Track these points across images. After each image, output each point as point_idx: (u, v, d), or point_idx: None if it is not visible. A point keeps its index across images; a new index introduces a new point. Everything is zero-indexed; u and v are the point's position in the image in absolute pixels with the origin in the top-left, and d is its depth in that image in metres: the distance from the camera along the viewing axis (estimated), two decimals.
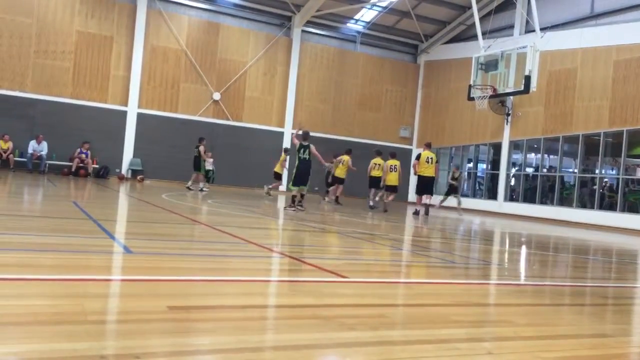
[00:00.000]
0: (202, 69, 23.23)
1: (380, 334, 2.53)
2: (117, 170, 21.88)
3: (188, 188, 17.47)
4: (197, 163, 17.54)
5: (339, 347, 2.31)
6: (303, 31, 25.15)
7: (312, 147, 11.53)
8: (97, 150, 21.11)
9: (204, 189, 17.39)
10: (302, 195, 11.68)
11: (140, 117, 22.14)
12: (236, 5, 23.90)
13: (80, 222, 6.25)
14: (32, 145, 19.82)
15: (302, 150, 11.41)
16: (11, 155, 19.54)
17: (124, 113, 22.06)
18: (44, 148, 19.98)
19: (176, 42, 22.83)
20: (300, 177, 11.43)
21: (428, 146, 15.63)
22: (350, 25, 26.40)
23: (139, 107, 22.22)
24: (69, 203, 8.96)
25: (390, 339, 2.49)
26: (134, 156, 22.18)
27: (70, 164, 20.44)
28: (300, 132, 11.66)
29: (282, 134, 24.85)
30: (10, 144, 19.60)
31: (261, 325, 2.63)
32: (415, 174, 15.39)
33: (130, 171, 22.01)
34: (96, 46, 21.57)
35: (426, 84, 27.90)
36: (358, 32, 26.56)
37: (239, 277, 3.84)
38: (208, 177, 19.12)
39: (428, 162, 14.82)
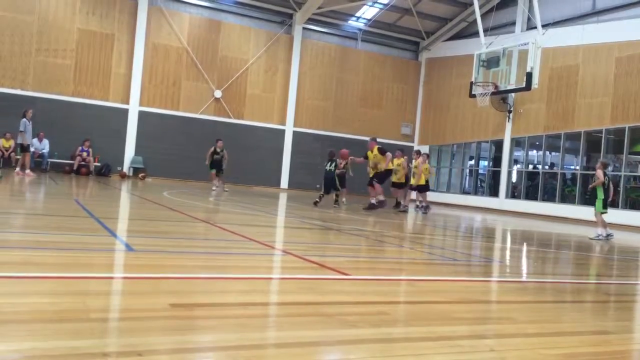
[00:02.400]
0: (203, 67, 23.22)
1: (381, 331, 2.53)
2: (119, 168, 21.89)
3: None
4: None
5: (340, 344, 2.32)
6: (304, 28, 25.12)
7: (338, 160, 13.99)
8: (98, 148, 21.12)
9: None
10: (336, 197, 13.83)
11: (141, 114, 22.15)
12: (237, 3, 23.88)
13: (83, 220, 6.25)
14: (34, 143, 19.82)
15: (328, 163, 13.92)
16: (13, 153, 19.55)
17: (126, 111, 22.06)
18: (45, 146, 20.00)
19: (177, 39, 22.82)
20: (324, 184, 14.03)
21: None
22: (352, 22, 26.37)
23: (141, 105, 22.22)
24: (71, 201, 8.97)
25: (392, 336, 2.49)
26: (135, 154, 22.19)
27: (72, 162, 20.45)
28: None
29: (283, 131, 24.85)
30: (12, 142, 19.62)
31: (263, 322, 2.64)
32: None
33: (131, 169, 22.03)
34: (97, 44, 21.57)
35: (427, 81, 27.86)
36: (359, 29, 26.53)
37: (241, 274, 3.85)
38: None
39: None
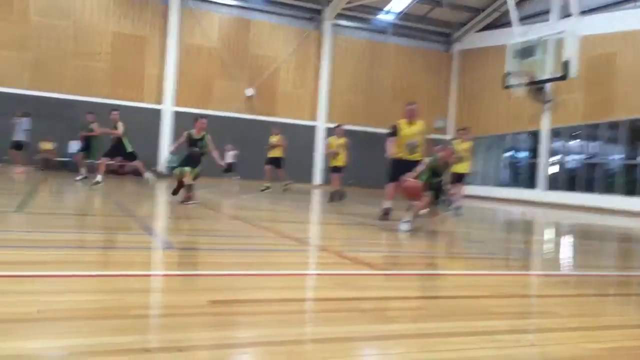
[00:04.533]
0: (234, 66, 23.41)
1: (420, 326, 2.50)
2: (154, 169, 22.27)
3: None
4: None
5: (379, 339, 2.30)
6: (334, 24, 25.07)
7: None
8: (134, 149, 21.50)
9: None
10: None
11: (175, 115, 22.47)
12: (266, 1, 23.98)
13: (121, 219, 6.38)
14: (73, 146, 20.33)
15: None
16: (53, 156, 20.10)
17: (159, 111, 22.42)
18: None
19: (208, 39, 23.06)
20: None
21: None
22: (381, 16, 26.18)
23: (174, 105, 22.55)
24: (109, 201, 9.16)
25: (431, 331, 2.46)
26: (170, 154, 22.54)
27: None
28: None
29: (314, 127, 24.88)
30: (51, 145, 20.17)
31: (302, 318, 2.64)
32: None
33: (168, 168, 22.38)
34: (131, 46, 21.97)
35: (460, 74, 27.49)
36: (389, 23, 26.32)
37: (278, 270, 3.86)
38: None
39: None
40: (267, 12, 24.21)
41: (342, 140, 12.60)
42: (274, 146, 15.18)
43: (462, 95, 27.25)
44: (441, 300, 3.32)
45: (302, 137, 24.47)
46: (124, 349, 1.96)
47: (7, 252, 3.92)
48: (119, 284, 3.04)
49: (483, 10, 25.71)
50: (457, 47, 27.62)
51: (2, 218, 5.79)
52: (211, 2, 23.34)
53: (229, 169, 19.02)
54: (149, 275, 3.42)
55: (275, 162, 15.12)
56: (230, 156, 19.65)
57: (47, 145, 20.17)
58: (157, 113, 22.36)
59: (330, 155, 12.78)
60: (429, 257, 5.26)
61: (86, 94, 21.22)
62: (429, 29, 27.02)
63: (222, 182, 18.47)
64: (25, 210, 6.43)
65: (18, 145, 15.74)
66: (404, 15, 26.09)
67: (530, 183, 23.14)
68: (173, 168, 9.38)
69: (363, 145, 22.64)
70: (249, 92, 23.63)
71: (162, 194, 11.88)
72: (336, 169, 12.64)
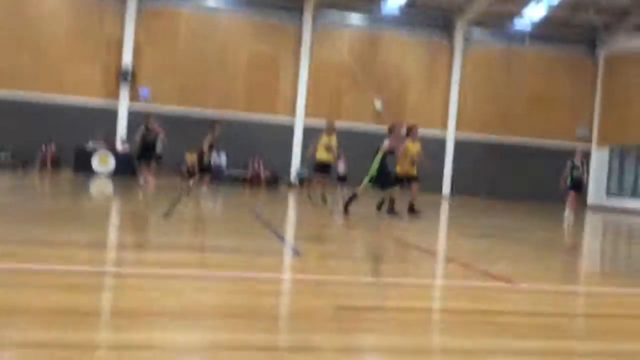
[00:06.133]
0: (363, 80, 23.74)
1: (556, 344, 2.35)
2: (286, 178, 23.15)
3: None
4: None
5: (511, 355, 2.20)
6: (466, 32, 24.47)
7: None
8: (267, 160, 22.57)
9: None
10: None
11: (306, 128, 23.22)
12: (396, 16, 24.04)
13: (255, 226, 6.72)
14: (213, 157, 21.81)
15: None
16: (195, 167, 21.71)
17: (291, 126, 23.32)
18: (222, 160, 21.91)
19: (339, 55, 23.66)
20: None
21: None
22: (518, 22, 24.96)
23: (305, 118, 23.35)
24: (245, 209, 9.68)
25: (568, 349, 2.31)
26: (300, 165, 23.31)
27: (246, 171, 22.13)
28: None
29: (443, 140, 24.43)
30: (195, 157, 21.80)
31: (429, 328, 2.60)
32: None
33: (298, 179, 23.16)
34: (265, 65, 23.22)
35: (606, 80, 25.41)
36: (525, 30, 25.03)
37: (403, 279, 3.84)
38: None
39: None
40: (396, 25, 24.20)
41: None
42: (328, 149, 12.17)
43: (608, 103, 25.12)
44: (580, 318, 3.09)
45: (431, 148, 24.06)
46: (255, 345, 2.07)
47: (156, 254, 4.33)
48: (250, 286, 3.22)
49: (631, 12, 23.57)
50: (602, 52, 25.55)
51: (154, 223, 6.39)
52: (342, 24, 23.93)
53: (344, 178, 19.04)
54: (278, 279, 3.58)
55: (326, 169, 12.24)
56: (342, 166, 19.71)
57: (192, 157, 21.81)
58: (289, 127, 23.26)
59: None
60: (562, 272, 4.91)
61: (226, 109, 22.69)
62: (570, 33, 25.29)
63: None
64: (172, 217, 7.03)
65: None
66: (542, 20, 24.69)
67: None
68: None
69: (497, 156, 21.75)
70: (378, 104, 23.77)
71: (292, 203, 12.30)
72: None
